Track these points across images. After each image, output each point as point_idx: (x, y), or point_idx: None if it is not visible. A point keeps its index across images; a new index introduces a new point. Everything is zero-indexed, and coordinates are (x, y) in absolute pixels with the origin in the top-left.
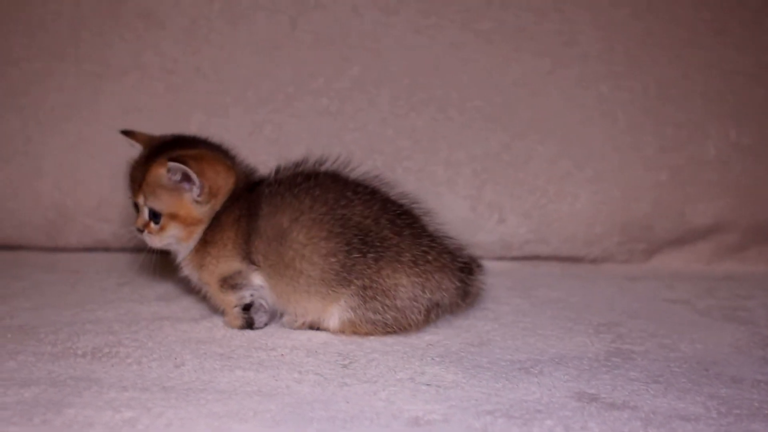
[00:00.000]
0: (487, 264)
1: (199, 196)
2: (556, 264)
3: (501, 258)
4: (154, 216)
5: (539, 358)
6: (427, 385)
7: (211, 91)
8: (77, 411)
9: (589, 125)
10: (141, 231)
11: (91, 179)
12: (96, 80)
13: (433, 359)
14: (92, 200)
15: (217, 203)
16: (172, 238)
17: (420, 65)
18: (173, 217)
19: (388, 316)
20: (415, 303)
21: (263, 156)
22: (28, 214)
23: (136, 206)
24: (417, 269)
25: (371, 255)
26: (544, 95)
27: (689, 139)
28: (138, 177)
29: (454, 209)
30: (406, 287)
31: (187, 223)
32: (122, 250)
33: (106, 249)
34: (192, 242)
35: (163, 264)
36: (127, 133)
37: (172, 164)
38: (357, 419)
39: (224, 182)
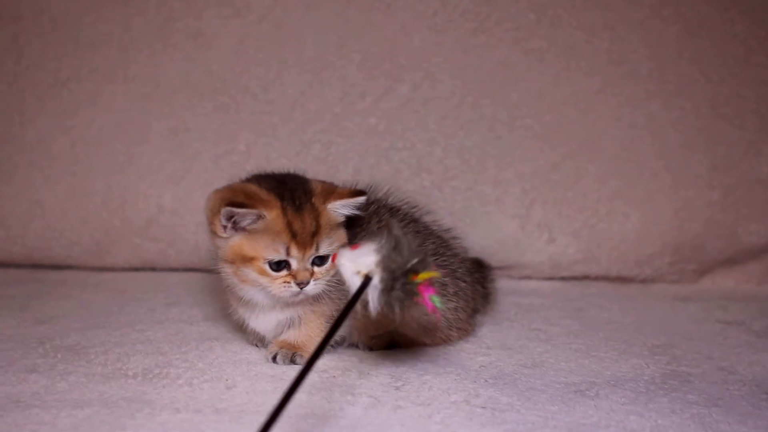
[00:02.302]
0: (537, 284)
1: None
2: (605, 284)
3: (550, 278)
4: (320, 260)
5: (594, 380)
6: (483, 408)
7: (260, 110)
8: None
9: (640, 144)
10: (304, 285)
11: (138, 199)
12: (145, 101)
13: (486, 381)
14: (140, 220)
15: None
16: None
17: (469, 84)
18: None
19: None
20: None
21: (311, 175)
22: (76, 233)
23: (279, 264)
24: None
25: None
26: (595, 114)
27: (742, 157)
28: (306, 228)
29: (502, 228)
30: None
31: None
32: (168, 269)
33: (153, 269)
34: None
35: (208, 284)
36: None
37: (357, 199)
38: None
39: None
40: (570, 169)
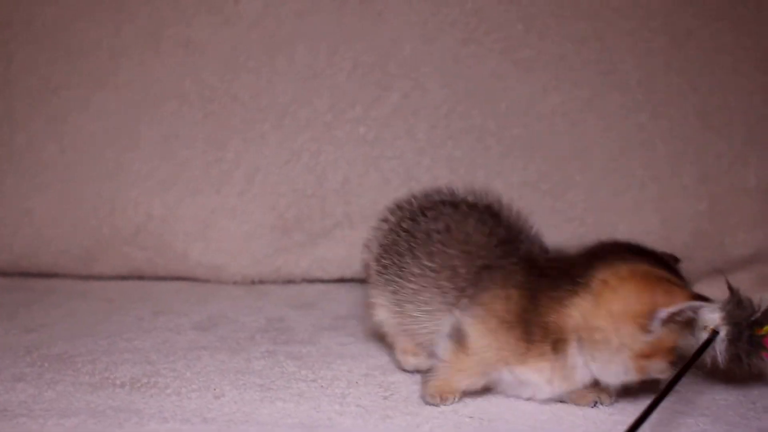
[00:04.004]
0: None
1: None
2: None
3: None
4: None
5: None
6: (470, 417)
7: (249, 118)
8: None
9: (629, 154)
10: None
11: (128, 207)
12: (135, 108)
13: (474, 390)
14: (129, 228)
15: None
16: None
17: (458, 94)
18: None
19: None
20: None
21: (300, 184)
22: (65, 241)
23: None
24: None
25: None
26: (583, 124)
27: (730, 168)
28: None
29: None
30: None
31: None
32: (156, 278)
33: (140, 277)
34: None
35: (195, 293)
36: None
37: None
38: None
39: None
40: (558, 179)
